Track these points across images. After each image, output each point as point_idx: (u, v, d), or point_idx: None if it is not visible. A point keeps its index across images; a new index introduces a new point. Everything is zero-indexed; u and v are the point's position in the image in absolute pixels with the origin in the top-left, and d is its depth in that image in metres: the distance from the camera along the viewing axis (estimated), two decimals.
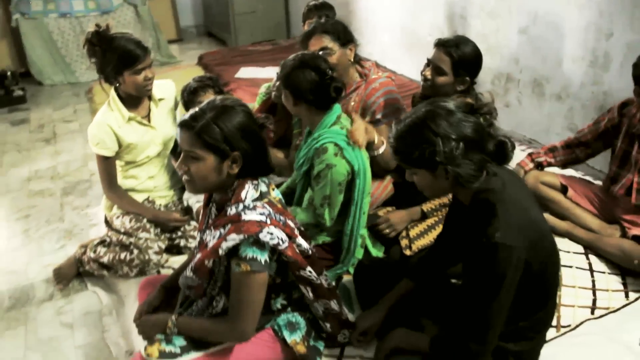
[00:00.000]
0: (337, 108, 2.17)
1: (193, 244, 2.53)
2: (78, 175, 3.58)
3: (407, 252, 2.33)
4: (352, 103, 2.55)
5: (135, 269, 2.37)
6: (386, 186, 2.59)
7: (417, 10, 4.34)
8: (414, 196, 2.63)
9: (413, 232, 2.40)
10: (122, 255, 2.38)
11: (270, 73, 4.88)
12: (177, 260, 2.49)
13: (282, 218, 1.64)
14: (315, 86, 2.07)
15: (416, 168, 1.55)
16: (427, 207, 2.45)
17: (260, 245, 1.55)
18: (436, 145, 1.45)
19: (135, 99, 2.44)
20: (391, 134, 1.59)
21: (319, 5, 3.40)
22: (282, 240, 1.57)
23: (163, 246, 2.44)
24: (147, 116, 2.49)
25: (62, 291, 2.50)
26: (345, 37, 2.49)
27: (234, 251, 1.56)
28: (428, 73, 2.40)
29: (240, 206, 1.61)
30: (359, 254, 2.31)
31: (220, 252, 1.56)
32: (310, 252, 1.72)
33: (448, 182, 1.53)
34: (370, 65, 2.69)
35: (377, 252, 2.39)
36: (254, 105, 2.98)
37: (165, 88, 2.58)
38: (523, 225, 1.50)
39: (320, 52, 2.38)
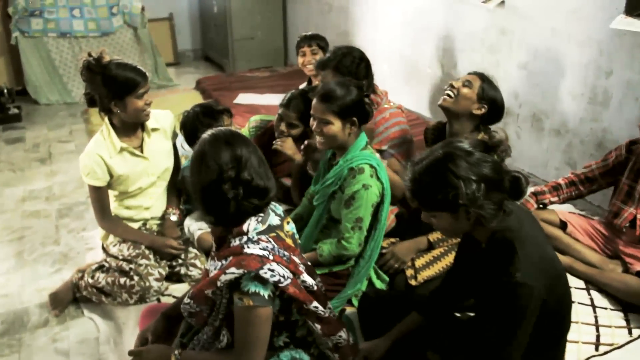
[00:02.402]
0: (363, 135, 2.21)
1: (194, 272, 2.49)
2: (74, 197, 3.53)
3: (413, 283, 2.33)
4: None
5: (136, 295, 2.33)
6: (388, 218, 2.58)
7: (418, 42, 4.40)
8: (417, 227, 2.64)
9: (419, 262, 2.40)
10: (122, 281, 2.34)
11: (269, 100, 4.89)
12: (177, 288, 2.46)
13: (286, 254, 1.62)
14: (360, 102, 2.12)
15: (436, 211, 1.55)
16: (434, 237, 2.45)
17: (262, 280, 1.52)
18: (458, 188, 1.46)
19: (129, 129, 2.41)
20: (407, 177, 1.58)
21: (310, 36, 3.45)
22: (283, 277, 1.55)
23: (164, 273, 2.41)
24: (140, 147, 2.46)
25: (58, 317, 2.44)
26: (357, 74, 2.53)
27: (235, 284, 1.54)
28: (458, 84, 2.42)
29: (244, 238, 1.59)
30: (363, 285, 2.29)
31: (219, 283, 1.54)
32: (315, 287, 1.69)
33: (469, 223, 1.53)
34: (384, 94, 2.71)
35: (380, 284, 2.37)
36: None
37: (162, 118, 2.55)
38: (542, 264, 1.52)
39: None
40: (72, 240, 3.04)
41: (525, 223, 1.60)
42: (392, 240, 2.53)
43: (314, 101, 2.15)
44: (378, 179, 2.15)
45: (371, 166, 2.14)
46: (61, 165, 4.03)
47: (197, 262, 2.50)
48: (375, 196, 2.14)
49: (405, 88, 4.57)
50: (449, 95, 2.41)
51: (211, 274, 1.62)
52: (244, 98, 4.98)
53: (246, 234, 1.60)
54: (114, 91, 2.26)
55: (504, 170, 1.54)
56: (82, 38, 5.53)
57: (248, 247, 1.56)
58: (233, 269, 1.52)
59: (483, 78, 2.44)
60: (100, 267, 2.48)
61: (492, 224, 1.51)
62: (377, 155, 2.26)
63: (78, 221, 3.23)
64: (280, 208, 1.79)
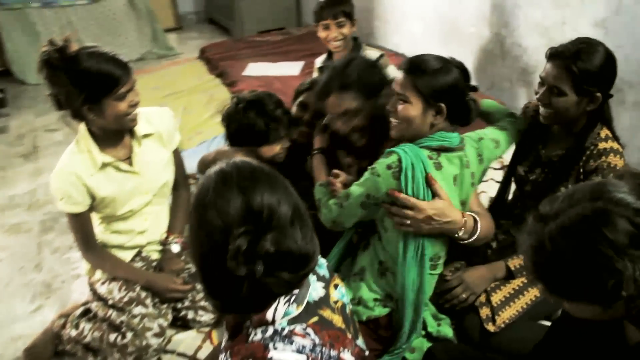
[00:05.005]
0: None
1: (204, 317, 1.96)
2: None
3: (490, 328, 1.76)
4: None
5: (130, 356, 1.79)
6: None
7: None
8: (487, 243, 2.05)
9: (496, 298, 1.82)
10: (112, 338, 1.81)
11: (283, 69, 4.25)
12: (182, 340, 1.93)
13: (333, 354, 1.06)
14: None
15: (579, 302, 0.97)
16: (514, 263, 1.86)
17: None
18: (623, 272, 0.87)
19: (112, 137, 1.83)
20: (528, 240, 0.98)
21: (333, 3, 2.72)
22: None
23: (165, 324, 1.86)
24: (129, 158, 1.89)
25: None
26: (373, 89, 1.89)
27: None
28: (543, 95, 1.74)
29: (269, 331, 1.03)
30: (417, 339, 1.72)
31: None
32: None
33: (624, 313, 0.95)
34: None
35: (444, 328, 1.81)
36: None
37: (157, 119, 1.95)
38: None
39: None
40: (57, 263, 2.51)
41: None
42: (457, 264, 1.95)
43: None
44: (397, 179, 1.57)
45: (400, 160, 1.56)
46: (46, 161, 3.45)
47: (208, 305, 1.95)
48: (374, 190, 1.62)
49: (442, 51, 3.86)
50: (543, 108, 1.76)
51: None
52: (255, 69, 4.33)
53: (272, 323, 1.05)
54: (86, 92, 1.66)
55: None
56: (69, 7, 4.91)
57: (275, 348, 1.01)
58: None
59: (569, 58, 1.63)
60: (86, 313, 1.96)
61: None
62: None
63: (64, 236, 2.68)
64: (324, 263, 1.23)
